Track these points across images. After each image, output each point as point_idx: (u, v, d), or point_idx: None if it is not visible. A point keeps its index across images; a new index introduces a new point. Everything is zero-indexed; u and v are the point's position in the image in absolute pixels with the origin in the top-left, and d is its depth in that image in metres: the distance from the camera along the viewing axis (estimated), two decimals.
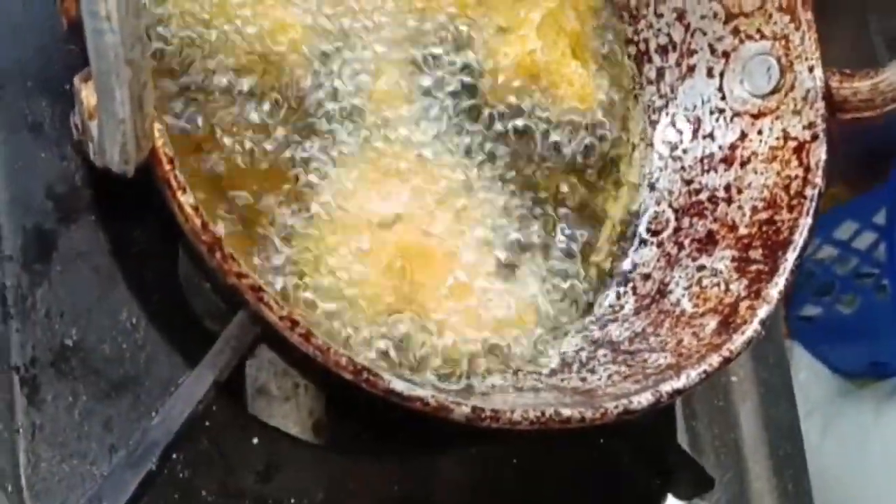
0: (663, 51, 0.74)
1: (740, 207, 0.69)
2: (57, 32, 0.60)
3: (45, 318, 0.59)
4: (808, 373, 1.41)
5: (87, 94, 0.50)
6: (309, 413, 0.68)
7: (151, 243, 0.62)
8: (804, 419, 0.89)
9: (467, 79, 0.68)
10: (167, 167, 0.49)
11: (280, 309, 0.51)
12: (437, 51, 0.67)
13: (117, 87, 0.44)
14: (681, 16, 0.73)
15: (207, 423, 0.60)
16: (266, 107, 0.62)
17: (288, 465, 0.62)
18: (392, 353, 0.62)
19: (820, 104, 0.68)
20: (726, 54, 0.72)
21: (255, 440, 0.62)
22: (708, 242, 0.69)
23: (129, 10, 0.43)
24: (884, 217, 1.33)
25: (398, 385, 0.53)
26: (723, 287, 0.66)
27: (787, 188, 0.67)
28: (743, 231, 0.68)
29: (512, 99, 0.69)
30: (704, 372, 0.61)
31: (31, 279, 0.59)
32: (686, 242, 0.70)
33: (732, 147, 0.71)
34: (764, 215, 0.68)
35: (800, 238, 0.66)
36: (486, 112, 0.68)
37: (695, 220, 0.70)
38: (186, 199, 0.49)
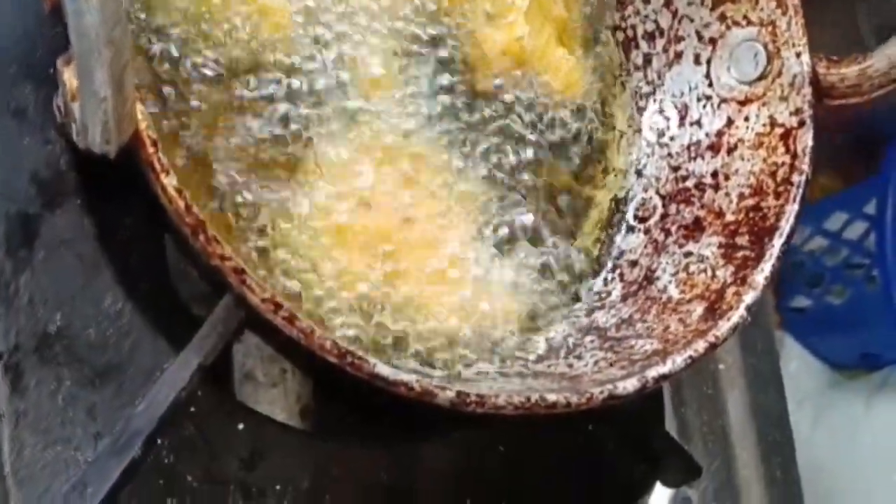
0: (650, 37, 0.74)
1: (727, 194, 0.69)
2: (40, 17, 0.60)
3: (29, 304, 0.59)
4: (798, 364, 1.41)
5: (70, 77, 0.50)
6: (296, 399, 0.67)
7: (137, 228, 0.62)
8: (794, 410, 0.89)
9: (454, 65, 0.68)
10: (150, 150, 0.49)
11: (263, 291, 0.51)
12: (424, 36, 0.67)
13: (98, 67, 0.44)
14: (668, 2, 0.72)
15: (192, 409, 0.60)
16: (251, 85, 0.62)
17: (273, 452, 0.62)
18: (365, 338, 0.61)
19: (807, 90, 0.68)
20: (713, 41, 0.71)
21: (241, 426, 0.62)
22: (695, 229, 0.69)
23: None
24: (874, 208, 1.33)
25: (383, 369, 0.52)
26: (709, 273, 0.66)
27: (773, 175, 0.67)
28: (730, 217, 0.68)
29: (498, 85, 0.69)
30: (690, 357, 0.61)
31: (14, 265, 0.59)
32: (673, 229, 0.70)
33: (719, 134, 0.71)
34: (751, 202, 0.68)
35: (786, 224, 0.66)
36: (472, 98, 0.68)
37: (682, 206, 0.70)
38: (170, 182, 0.49)
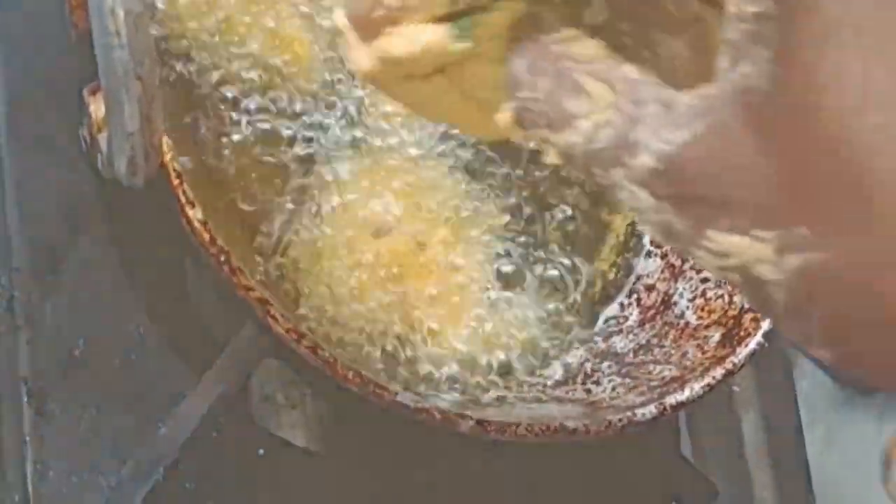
0: None
1: None
2: (65, 45, 0.60)
3: (54, 329, 0.60)
4: (810, 382, 1.41)
5: (96, 107, 0.50)
6: (315, 421, 0.68)
7: (160, 255, 0.62)
8: (806, 428, 0.89)
9: None
10: (175, 182, 0.50)
11: (287, 322, 0.51)
12: None
13: (126, 101, 0.45)
14: None
15: (214, 435, 0.60)
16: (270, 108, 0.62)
17: (293, 477, 0.62)
18: (384, 365, 0.62)
19: None
20: None
21: (261, 451, 0.62)
22: None
23: (139, 25, 0.43)
24: None
25: (405, 397, 0.53)
26: (727, 299, 0.67)
27: None
28: None
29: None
30: (708, 385, 0.61)
31: (40, 291, 0.60)
32: None
33: None
34: None
35: None
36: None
37: None
38: (195, 214, 0.50)
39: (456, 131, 0.66)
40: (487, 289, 0.65)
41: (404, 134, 0.66)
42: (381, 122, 0.65)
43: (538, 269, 0.68)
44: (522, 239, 0.68)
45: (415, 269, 0.63)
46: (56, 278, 0.60)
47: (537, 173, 0.70)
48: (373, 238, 0.63)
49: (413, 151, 0.66)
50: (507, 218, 0.68)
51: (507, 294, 0.66)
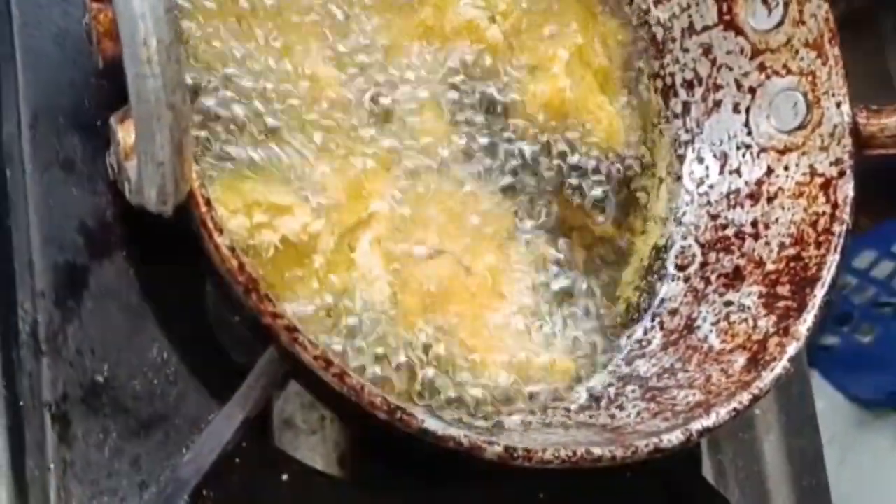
0: (689, 86, 0.74)
1: (767, 243, 0.69)
2: (89, 69, 0.60)
3: (77, 354, 0.59)
4: (826, 402, 1.41)
5: (125, 135, 0.50)
6: (335, 446, 0.67)
7: (181, 279, 0.62)
8: (822, 449, 0.89)
9: (501, 117, 0.68)
10: (204, 209, 0.50)
11: (314, 349, 0.51)
12: (474, 91, 0.68)
13: (158, 130, 0.44)
14: (707, 51, 0.73)
15: (237, 460, 0.60)
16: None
17: (318, 502, 0.62)
18: (418, 388, 0.62)
19: (847, 140, 0.68)
20: (752, 90, 0.72)
21: (285, 476, 0.61)
22: (735, 278, 0.69)
23: (171, 55, 0.43)
24: None
25: (432, 424, 0.53)
26: (751, 323, 0.66)
27: (814, 224, 0.67)
28: (770, 267, 0.68)
29: (542, 137, 0.69)
30: (734, 410, 0.61)
31: (62, 315, 0.59)
32: (713, 277, 0.70)
33: (759, 182, 0.71)
34: (791, 251, 0.68)
35: (828, 275, 0.66)
36: (517, 150, 0.68)
37: (721, 255, 0.70)
38: (223, 241, 0.50)
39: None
40: (519, 317, 0.65)
41: (446, 160, 0.66)
42: (424, 151, 0.66)
43: (567, 296, 0.68)
44: (552, 267, 0.68)
45: (454, 291, 0.63)
46: (78, 303, 0.60)
47: (565, 200, 0.69)
48: (417, 261, 0.63)
49: (455, 176, 0.66)
50: (536, 243, 0.68)
51: (537, 320, 0.66)
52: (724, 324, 0.68)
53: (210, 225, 0.50)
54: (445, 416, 0.61)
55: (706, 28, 0.72)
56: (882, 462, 1.33)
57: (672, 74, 0.74)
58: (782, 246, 0.68)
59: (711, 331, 0.68)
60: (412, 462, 0.66)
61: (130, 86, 0.44)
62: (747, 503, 0.83)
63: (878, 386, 1.39)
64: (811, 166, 0.69)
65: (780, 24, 0.70)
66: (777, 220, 0.69)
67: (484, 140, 0.67)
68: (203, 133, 0.58)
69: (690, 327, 0.69)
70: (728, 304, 0.68)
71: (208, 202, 0.49)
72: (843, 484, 1.29)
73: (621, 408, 0.64)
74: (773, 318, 0.66)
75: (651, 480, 0.73)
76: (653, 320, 0.70)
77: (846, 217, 0.67)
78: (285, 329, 0.50)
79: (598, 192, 0.70)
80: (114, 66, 0.51)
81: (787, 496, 0.85)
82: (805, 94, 0.70)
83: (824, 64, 0.69)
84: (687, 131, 0.74)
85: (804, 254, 0.67)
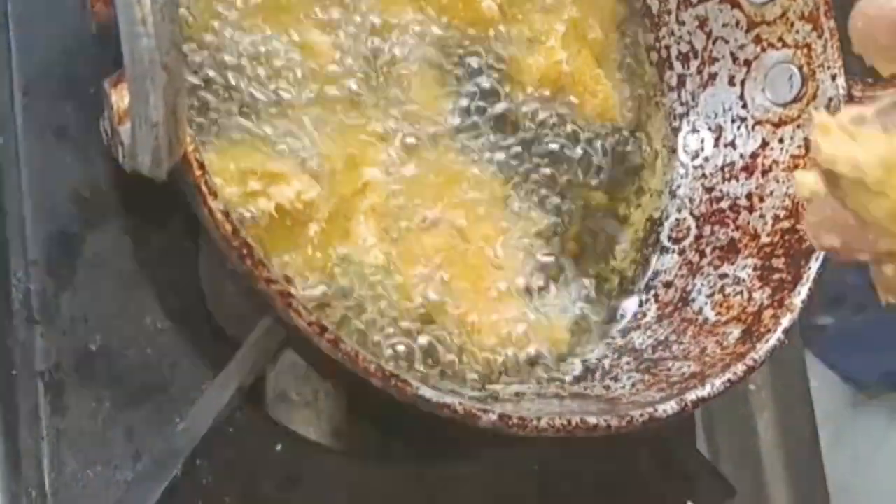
0: (685, 58, 0.74)
1: (762, 216, 0.69)
2: (82, 35, 0.60)
3: (70, 323, 0.59)
4: (820, 382, 1.41)
5: (118, 98, 0.50)
6: (329, 418, 0.67)
7: (175, 248, 0.62)
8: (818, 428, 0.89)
9: (497, 90, 0.68)
10: (198, 172, 0.49)
11: (309, 314, 0.51)
12: (470, 63, 0.67)
13: (152, 91, 0.44)
14: (702, 23, 0.73)
15: (231, 430, 0.60)
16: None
17: (310, 473, 0.62)
18: (417, 356, 0.62)
19: None
20: (748, 62, 0.71)
21: (279, 447, 0.61)
22: (730, 250, 0.69)
23: (165, 14, 0.43)
24: None
25: (426, 392, 0.53)
26: (745, 295, 0.66)
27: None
28: (765, 239, 0.68)
29: (537, 109, 0.69)
30: (729, 381, 0.61)
31: (56, 284, 0.59)
32: (707, 250, 0.70)
33: (754, 155, 0.71)
34: (786, 224, 0.68)
35: None
36: (512, 123, 0.68)
37: (716, 227, 0.70)
38: (217, 206, 0.49)
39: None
40: (514, 287, 0.65)
41: (444, 133, 0.66)
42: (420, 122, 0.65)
43: (560, 268, 0.68)
44: (547, 240, 0.68)
45: (452, 259, 0.63)
46: (72, 272, 0.60)
47: (560, 173, 0.69)
48: (415, 229, 0.62)
49: (452, 147, 0.66)
50: (531, 217, 0.67)
51: (533, 290, 0.66)
52: (718, 296, 0.68)
53: (204, 189, 0.49)
54: (441, 386, 0.61)
55: (702, 0, 0.72)
56: (876, 442, 1.33)
57: (667, 47, 0.74)
58: (777, 218, 0.68)
59: (706, 303, 0.68)
60: (406, 434, 0.66)
61: (124, 46, 0.44)
62: (741, 478, 0.83)
63: (872, 366, 1.38)
64: (806, 139, 0.69)
65: None
66: (772, 192, 0.69)
67: (480, 112, 0.67)
68: (195, 101, 0.58)
69: (685, 300, 0.69)
70: (723, 276, 0.68)
71: (202, 166, 0.49)
72: (837, 463, 1.29)
73: (616, 379, 0.64)
74: (768, 290, 0.66)
75: (647, 455, 0.73)
76: (648, 293, 0.70)
77: None
78: (279, 294, 0.50)
79: (593, 164, 0.70)
80: (107, 31, 0.50)
81: (780, 473, 0.85)
82: (800, 67, 0.70)
83: (820, 37, 0.69)
84: (682, 104, 0.74)
85: (799, 226, 0.67)
